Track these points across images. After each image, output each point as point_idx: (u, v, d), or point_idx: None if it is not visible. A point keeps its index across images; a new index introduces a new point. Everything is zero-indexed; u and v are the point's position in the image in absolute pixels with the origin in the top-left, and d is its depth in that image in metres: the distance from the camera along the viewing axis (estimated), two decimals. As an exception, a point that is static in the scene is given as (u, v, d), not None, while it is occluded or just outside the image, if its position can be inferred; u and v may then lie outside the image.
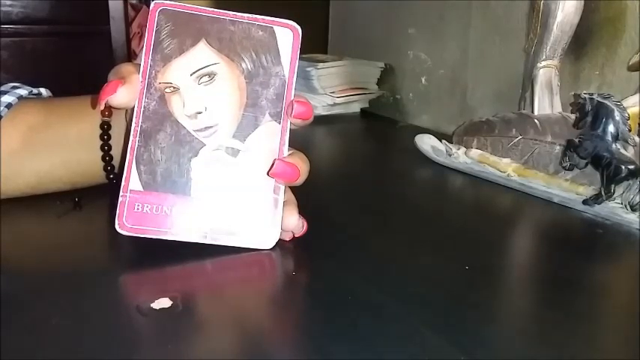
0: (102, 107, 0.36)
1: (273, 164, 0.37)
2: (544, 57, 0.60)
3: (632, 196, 0.46)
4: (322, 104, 0.92)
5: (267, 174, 0.37)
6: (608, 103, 0.49)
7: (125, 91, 0.36)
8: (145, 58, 0.37)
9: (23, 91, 0.45)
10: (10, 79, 0.49)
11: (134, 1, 1.67)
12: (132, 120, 0.36)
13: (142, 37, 1.62)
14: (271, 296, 0.35)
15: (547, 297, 0.35)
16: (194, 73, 0.37)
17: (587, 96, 0.50)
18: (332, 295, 0.33)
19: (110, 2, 1.48)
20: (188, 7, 0.37)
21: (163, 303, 0.30)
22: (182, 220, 0.36)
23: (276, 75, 0.38)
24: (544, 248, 0.44)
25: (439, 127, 0.83)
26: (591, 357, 0.28)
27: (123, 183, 0.36)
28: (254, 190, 0.37)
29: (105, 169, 0.42)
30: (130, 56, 1.54)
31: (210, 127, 0.37)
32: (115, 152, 0.42)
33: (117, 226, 0.35)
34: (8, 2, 1.39)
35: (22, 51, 1.42)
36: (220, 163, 0.37)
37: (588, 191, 0.50)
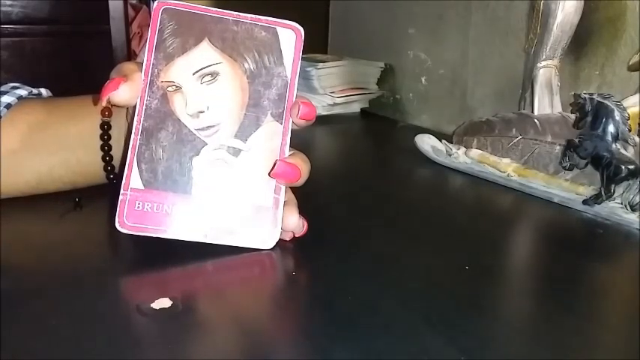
0: (103, 104, 0.36)
1: (274, 165, 0.37)
2: (544, 57, 0.60)
3: (632, 196, 0.46)
4: (322, 104, 0.92)
5: (269, 174, 0.37)
6: (608, 103, 0.49)
7: (127, 89, 0.36)
8: (147, 56, 0.37)
9: (23, 92, 0.45)
10: (10, 79, 0.49)
11: (134, 1, 1.67)
12: (133, 118, 0.36)
13: (142, 37, 1.62)
14: (271, 296, 0.34)
15: (547, 297, 0.35)
16: (197, 72, 0.37)
17: (587, 96, 0.50)
18: (332, 295, 0.33)
19: (110, 2, 1.48)
20: (191, 6, 0.37)
21: (163, 303, 0.30)
22: (182, 219, 0.36)
23: (279, 75, 0.38)
24: (544, 248, 0.44)
25: (439, 127, 0.83)
26: (591, 357, 0.28)
27: (124, 181, 0.36)
28: (255, 189, 0.37)
29: (105, 169, 0.42)
30: (130, 56, 1.53)
31: (212, 126, 0.37)
32: (115, 152, 0.42)
33: (117, 224, 0.35)
34: (8, 2, 1.38)
35: (22, 51, 1.42)
36: (221, 163, 0.37)
37: (588, 191, 0.50)
